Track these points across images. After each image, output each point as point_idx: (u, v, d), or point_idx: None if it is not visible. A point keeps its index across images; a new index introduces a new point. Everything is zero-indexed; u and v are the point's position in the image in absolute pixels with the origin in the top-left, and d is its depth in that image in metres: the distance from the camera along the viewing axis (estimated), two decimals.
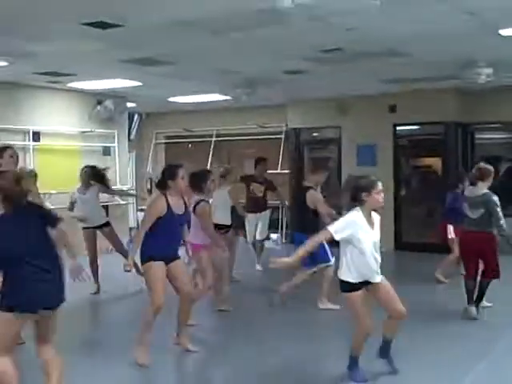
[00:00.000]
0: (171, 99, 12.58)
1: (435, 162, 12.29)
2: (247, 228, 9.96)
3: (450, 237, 8.59)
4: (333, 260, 6.93)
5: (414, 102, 11.52)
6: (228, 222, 8.08)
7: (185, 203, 5.58)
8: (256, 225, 9.91)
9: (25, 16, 6.16)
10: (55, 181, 10.86)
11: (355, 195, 4.72)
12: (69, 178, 11.13)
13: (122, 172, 12.44)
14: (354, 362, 4.92)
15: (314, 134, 13.62)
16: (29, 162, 10.72)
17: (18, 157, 6.25)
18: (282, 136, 13.65)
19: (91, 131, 11.81)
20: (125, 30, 6.70)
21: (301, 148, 13.40)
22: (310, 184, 7.51)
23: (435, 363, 5.34)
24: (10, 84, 10.32)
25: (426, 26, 6.67)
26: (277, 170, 13.21)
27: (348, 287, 4.72)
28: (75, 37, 7.03)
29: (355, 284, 4.70)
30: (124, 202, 12.60)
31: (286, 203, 10.91)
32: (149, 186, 15.63)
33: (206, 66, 9.02)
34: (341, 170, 12.45)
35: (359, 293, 4.71)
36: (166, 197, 5.36)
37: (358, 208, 4.69)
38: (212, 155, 14.60)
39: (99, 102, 11.79)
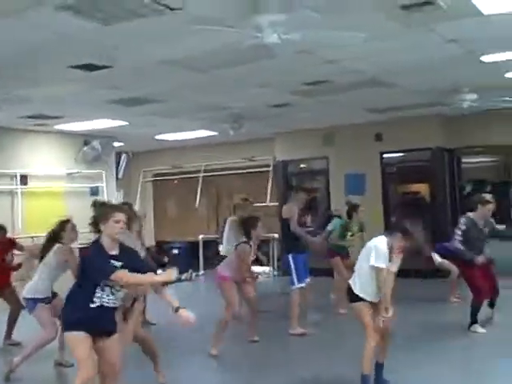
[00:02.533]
0: (158, 137, 12.60)
1: (423, 188, 12.36)
2: None
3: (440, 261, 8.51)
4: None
5: (399, 129, 11.62)
6: None
7: None
8: None
9: (12, 61, 6.17)
10: (42, 223, 10.73)
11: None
12: (55, 219, 11.07)
13: None
14: (366, 381, 4.92)
15: (302, 166, 13.67)
16: (16, 205, 10.64)
17: None
18: (270, 169, 13.69)
19: (78, 172, 11.76)
20: (112, 71, 6.74)
21: (289, 180, 13.43)
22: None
23: None
24: None
25: (410, 55, 6.78)
26: (265, 202, 13.21)
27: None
28: (62, 80, 7.06)
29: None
30: None
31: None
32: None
33: (193, 103, 9.07)
34: (330, 200, 12.47)
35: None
36: None
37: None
38: (200, 190, 14.59)
39: (86, 143, 11.77)
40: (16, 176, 10.73)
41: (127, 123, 10.51)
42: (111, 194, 12.56)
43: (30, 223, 10.69)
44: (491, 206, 6.90)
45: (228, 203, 14.19)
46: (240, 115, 10.07)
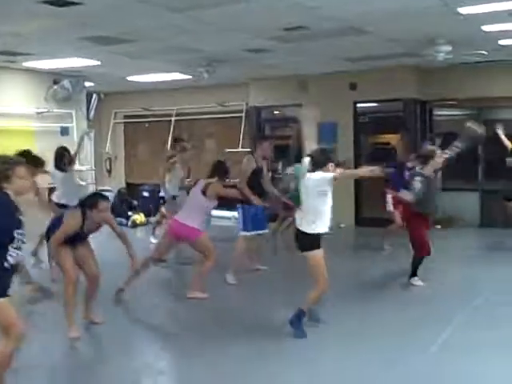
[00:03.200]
0: (130, 78, 12.38)
1: (394, 139, 12.43)
2: None
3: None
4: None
5: (374, 79, 11.60)
6: None
7: None
8: None
9: None
10: None
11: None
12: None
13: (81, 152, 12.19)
14: (300, 317, 5.20)
15: (275, 112, 13.62)
16: None
17: None
18: (243, 114, 13.61)
19: (48, 111, 11.55)
20: (84, 8, 6.56)
21: (262, 126, 13.39)
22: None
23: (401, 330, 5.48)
24: None
25: (388, 3, 6.72)
26: (237, 148, 13.18)
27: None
28: (33, 15, 6.85)
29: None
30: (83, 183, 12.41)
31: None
32: (108, 166, 15.45)
33: (167, 44, 8.89)
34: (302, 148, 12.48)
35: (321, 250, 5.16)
36: None
37: None
38: (172, 134, 14.46)
39: (56, 82, 11.53)
40: None
41: (99, 63, 10.29)
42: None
43: None
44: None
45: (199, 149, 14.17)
46: (214, 59, 9.93)
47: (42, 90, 11.52)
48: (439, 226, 10.84)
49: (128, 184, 15.12)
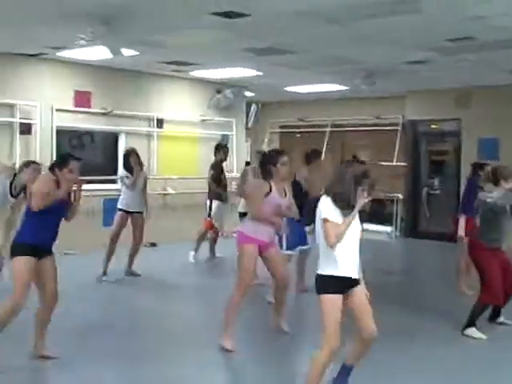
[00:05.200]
0: (288, 88, 12.68)
1: None
2: None
3: None
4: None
5: None
6: None
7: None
8: None
9: (156, 7, 6.45)
10: (176, 167, 11.33)
11: None
12: (188, 164, 11.62)
13: (239, 160, 12.70)
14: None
15: (433, 126, 13.29)
16: (152, 148, 11.22)
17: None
18: (399, 128, 13.40)
19: (210, 119, 12.15)
20: (250, 20, 6.85)
21: (418, 140, 13.13)
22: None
23: None
24: (137, 72, 10.82)
25: None
26: (392, 162, 13.01)
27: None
28: (203, 27, 7.26)
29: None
30: None
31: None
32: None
33: (325, 55, 9.01)
34: (460, 164, 12.08)
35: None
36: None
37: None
38: (326, 145, 14.59)
39: (218, 91, 12.10)
40: (153, 119, 11.27)
41: (260, 73, 10.66)
42: (240, 143, 12.90)
43: (163, 165, 11.27)
44: None
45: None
46: (373, 70, 9.91)
47: (206, 98, 12.14)
48: None
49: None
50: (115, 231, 8.09)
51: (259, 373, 4.89)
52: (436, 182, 11.23)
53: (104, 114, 10.56)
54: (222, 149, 9.73)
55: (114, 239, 8.06)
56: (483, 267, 5.62)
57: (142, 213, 8.29)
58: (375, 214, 7.06)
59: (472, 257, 5.86)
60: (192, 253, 9.48)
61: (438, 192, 11.16)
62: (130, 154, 8.30)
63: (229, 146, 12.26)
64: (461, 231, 7.22)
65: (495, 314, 6.09)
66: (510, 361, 5.18)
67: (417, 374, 4.82)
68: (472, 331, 5.66)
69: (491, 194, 5.67)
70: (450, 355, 5.27)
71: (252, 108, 14.39)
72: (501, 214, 5.61)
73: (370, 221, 9.70)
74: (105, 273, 7.99)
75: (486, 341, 5.57)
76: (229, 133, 12.58)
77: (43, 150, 9.69)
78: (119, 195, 8.37)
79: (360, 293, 3.90)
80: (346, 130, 14.32)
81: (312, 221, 4.20)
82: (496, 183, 5.70)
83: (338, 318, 3.75)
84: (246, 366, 5.18)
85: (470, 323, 5.69)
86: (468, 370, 4.94)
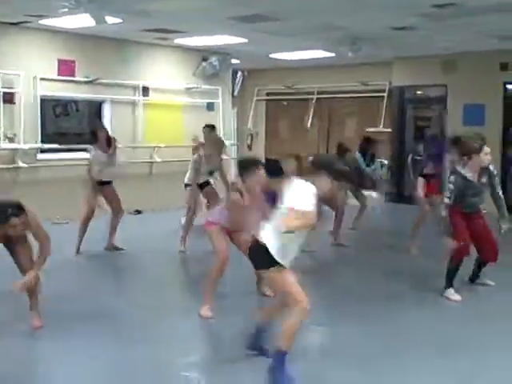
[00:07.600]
0: (273, 56, 12.61)
1: None
2: None
3: None
4: None
5: None
6: None
7: None
8: None
9: None
10: (162, 135, 11.31)
11: None
12: (174, 132, 11.59)
13: (225, 128, 12.67)
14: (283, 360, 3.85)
15: (418, 92, 13.31)
16: (137, 116, 11.17)
17: None
18: (385, 94, 13.41)
19: (196, 87, 12.08)
20: None
21: (404, 106, 13.16)
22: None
23: None
24: (120, 40, 10.69)
25: None
26: (378, 128, 13.05)
27: None
28: None
29: None
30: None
31: None
32: (249, 142, 15.90)
33: (311, 21, 8.94)
34: (444, 130, 12.14)
35: None
36: None
37: None
38: (312, 112, 14.60)
39: (204, 59, 12.00)
40: (138, 87, 11.19)
41: (245, 40, 10.58)
42: (226, 111, 12.85)
43: (149, 134, 11.24)
44: None
45: (340, 127, 14.23)
46: (359, 37, 9.86)
47: (191, 66, 12.05)
48: None
49: (267, 160, 15.46)
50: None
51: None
52: (421, 147, 11.27)
53: (88, 83, 10.46)
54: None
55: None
56: (451, 223, 5.69)
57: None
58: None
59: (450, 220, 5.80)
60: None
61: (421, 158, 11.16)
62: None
63: (213, 112, 12.29)
64: (420, 191, 7.70)
65: (475, 275, 6.27)
66: (480, 318, 5.38)
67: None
68: (449, 293, 5.81)
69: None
70: (426, 316, 5.47)
71: (238, 75, 14.31)
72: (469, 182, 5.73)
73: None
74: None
75: (461, 302, 5.75)
76: (215, 100, 12.52)
77: (27, 119, 9.62)
78: None
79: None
80: (333, 97, 14.30)
81: None
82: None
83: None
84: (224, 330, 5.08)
85: (448, 284, 5.84)
86: (440, 328, 5.12)
